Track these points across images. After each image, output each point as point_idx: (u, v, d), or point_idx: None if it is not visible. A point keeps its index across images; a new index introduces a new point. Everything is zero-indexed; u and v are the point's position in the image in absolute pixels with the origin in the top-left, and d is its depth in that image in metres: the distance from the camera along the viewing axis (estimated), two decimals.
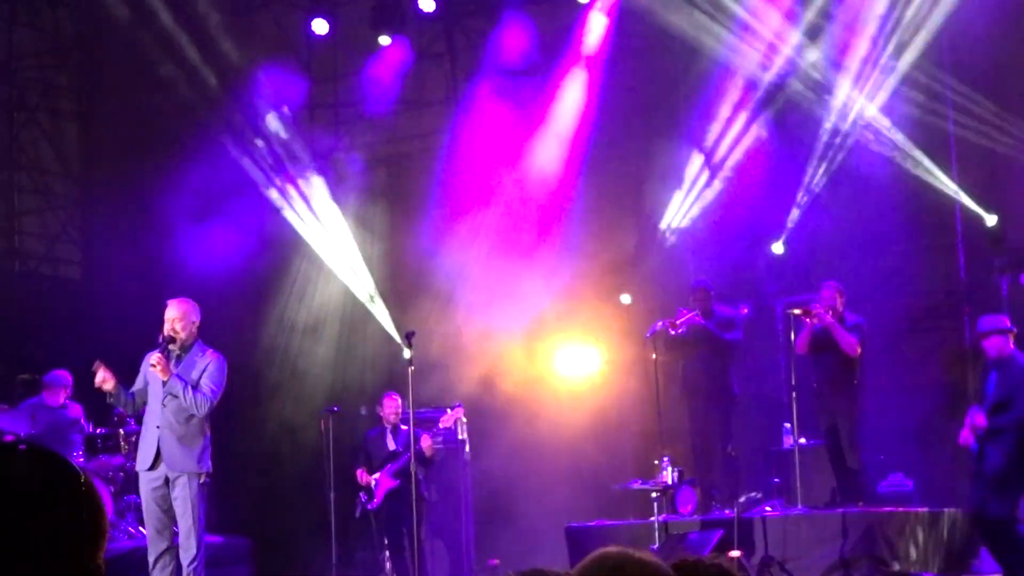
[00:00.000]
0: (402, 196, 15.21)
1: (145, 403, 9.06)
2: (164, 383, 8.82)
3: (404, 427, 12.00)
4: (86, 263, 14.07)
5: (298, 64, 13.88)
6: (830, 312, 11.69)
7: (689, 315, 12.27)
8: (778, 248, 13.93)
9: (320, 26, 14.01)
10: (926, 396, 11.85)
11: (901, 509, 11.56)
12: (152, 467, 8.93)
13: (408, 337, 10.34)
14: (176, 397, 8.83)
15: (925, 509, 11.62)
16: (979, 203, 12.97)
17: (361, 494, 12.31)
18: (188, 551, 8.83)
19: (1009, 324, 10.41)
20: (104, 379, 8.81)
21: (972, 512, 10.32)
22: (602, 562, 2.55)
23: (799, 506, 11.67)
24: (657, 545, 11.03)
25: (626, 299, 14.46)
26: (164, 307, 9.12)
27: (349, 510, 11.99)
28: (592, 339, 14.48)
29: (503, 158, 14.05)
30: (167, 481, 8.90)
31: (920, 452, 12.40)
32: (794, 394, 11.83)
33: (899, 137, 13.01)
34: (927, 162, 12.96)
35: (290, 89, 13.67)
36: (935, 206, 13.09)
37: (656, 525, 11.25)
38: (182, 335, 8.96)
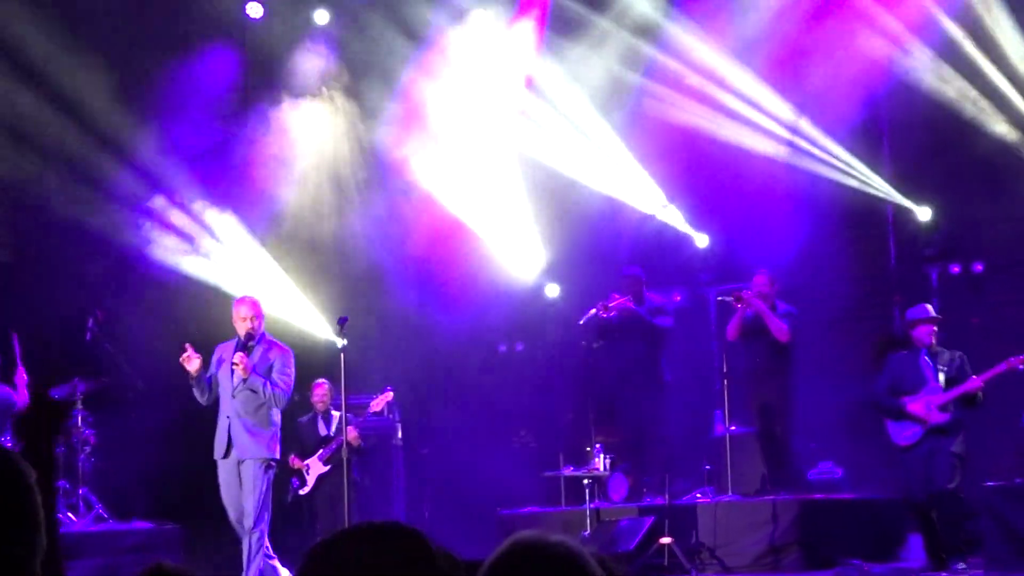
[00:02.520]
0: None
1: (217, 395, 9.69)
2: (244, 380, 9.44)
3: (335, 412, 12.21)
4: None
5: (235, 46, 13.90)
6: (761, 299, 11.97)
7: (621, 300, 12.42)
8: (702, 241, 14.06)
9: (255, 10, 14.01)
10: (856, 385, 11.70)
11: (831, 496, 11.86)
12: (226, 455, 9.58)
13: (341, 324, 10.44)
14: (252, 391, 9.48)
15: (854, 496, 11.96)
16: (912, 196, 13.23)
17: (293, 479, 12.39)
18: (249, 520, 9.49)
19: (930, 312, 10.71)
20: (190, 357, 9.42)
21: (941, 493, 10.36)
22: (514, 547, 2.57)
23: (730, 493, 11.87)
24: (588, 532, 11.33)
25: (553, 290, 14.59)
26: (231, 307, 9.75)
27: (281, 495, 11.95)
28: (525, 326, 14.91)
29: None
30: (238, 464, 9.58)
31: (850, 440, 12.49)
32: (725, 381, 12.07)
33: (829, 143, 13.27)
34: (858, 164, 13.26)
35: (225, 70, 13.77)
36: (866, 199, 13.38)
37: (588, 512, 11.49)
38: (259, 331, 9.63)
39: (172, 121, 13.17)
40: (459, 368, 14.81)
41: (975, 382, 10.29)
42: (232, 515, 9.79)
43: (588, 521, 11.52)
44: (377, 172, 14.44)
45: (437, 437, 14.47)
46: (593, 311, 12.52)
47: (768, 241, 12.97)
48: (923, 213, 13.27)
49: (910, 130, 12.95)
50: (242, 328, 9.69)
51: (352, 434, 11.43)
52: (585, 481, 11.59)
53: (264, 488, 9.56)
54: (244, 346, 9.62)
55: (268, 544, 9.70)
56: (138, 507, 12.37)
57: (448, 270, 14.44)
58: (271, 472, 9.68)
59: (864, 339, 13.09)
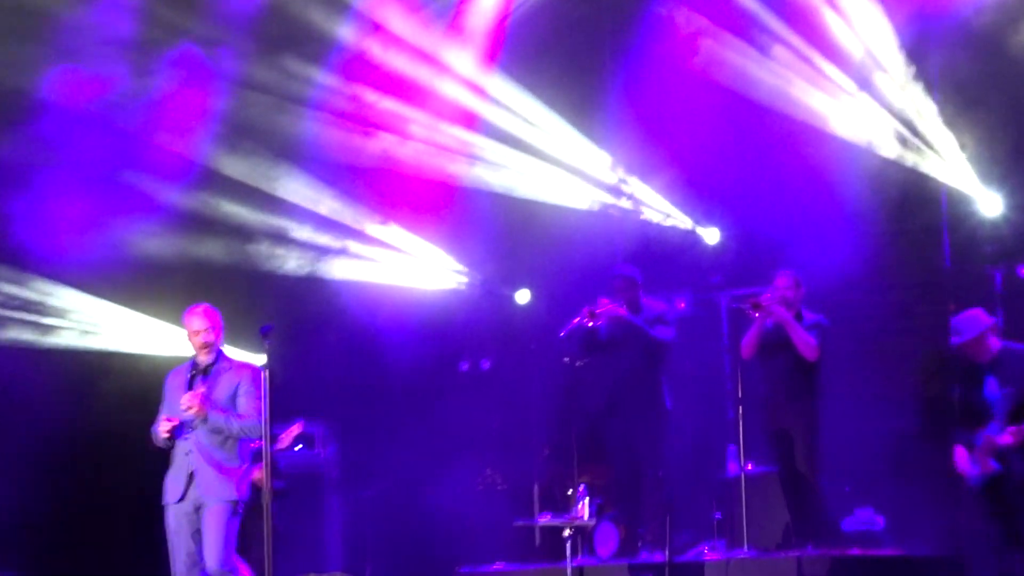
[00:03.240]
0: None
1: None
2: (204, 421, 9.39)
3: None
4: None
5: None
6: (784, 306, 11.60)
7: (611, 306, 12.10)
8: (711, 236, 13.96)
9: None
10: (902, 413, 11.97)
11: (870, 552, 11.45)
12: (182, 498, 9.42)
13: (264, 333, 9.66)
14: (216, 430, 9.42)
15: (899, 552, 11.59)
16: (974, 180, 12.86)
17: None
18: (214, 563, 9.37)
19: (988, 318, 10.46)
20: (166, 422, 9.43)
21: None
22: None
23: (745, 547, 11.54)
24: None
25: (524, 296, 14.57)
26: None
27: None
28: (492, 340, 14.76)
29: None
30: (197, 509, 9.41)
31: (893, 483, 12.37)
32: (740, 408, 11.78)
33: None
34: (906, 133, 12.96)
35: None
36: (913, 181, 13.01)
37: (569, 570, 10.92)
38: (215, 344, 9.60)
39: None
40: (411, 391, 14.61)
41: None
42: (180, 568, 9.55)
43: None
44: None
45: (383, 477, 14.14)
46: (577, 320, 12.03)
47: (792, 236, 12.75)
48: (986, 201, 12.78)
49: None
50: (197, 346, 9.61)
51: (255, 474, 10.86)
52: (566, 532, 10.89)
53: (232, 536, 9.49)
54: (202, 371, 9.55)
55: None
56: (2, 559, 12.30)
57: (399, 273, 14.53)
58: (238, 517, 9.56)
59: (910, 357, 12.96)
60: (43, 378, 12.77)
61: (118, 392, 12.59)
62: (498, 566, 12.23)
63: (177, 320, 12.74)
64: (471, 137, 13.95)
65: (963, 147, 12.71)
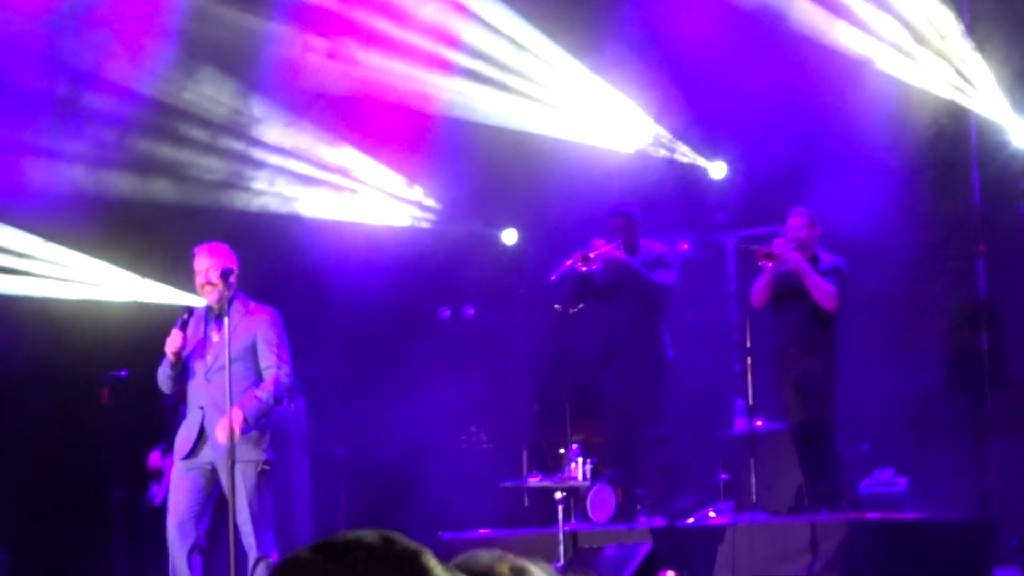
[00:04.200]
0: None
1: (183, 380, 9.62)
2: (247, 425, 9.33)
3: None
4: None
5: None
6: (799, 248, 11.56)
7: (607, 248, 12.07)
8: (718, 171, 13.84)
9: None
10: (926, 365, 11.99)
11: (890, 516, 11.55)
12: (191, 455, 9.45)
13: (223, 277, 9.75)
14: (227, 368, 9.26)
15: (922, 516, 11.70)
16: (1006, 109, 12.72)
17: (152, 484, 12.08)
18: (250, 539, 9.46)
19: None
20: (175, 334, 9.36)
21: None
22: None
23: (755, 511, 11.58)
24: (562, 562, 10.84)
25: (511, 236, 14.47)
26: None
27: (137, 507, 11.96)
28: (475, 284, 14.63)
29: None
30: (210, 471, 9.46)
31: (916, 441, 12.46)
32: (749, 360, 11.77)
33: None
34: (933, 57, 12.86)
35: None
36: (940, 110, 12.94)
37: (561, 536, 10.93)
38: (221, 290, 9.47)
39: None
40: (387, 341, 14.36)
41: None
42: (173, 524, 9.55)
43: (561, 548, 10.91)
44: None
45: (358, 434, 14.01)
46: (569, 263, 12.03)
47: (806, 170, 12.71)
48: (1020, 132, 12.68)
49: None
50: (206, 291, 9.51)
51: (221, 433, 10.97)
52: (558, 495, 10.91)
53: (265, 499, 9.53)
54: (215, 315, 9.49)
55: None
56: None
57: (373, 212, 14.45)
58: (267, 478, 9.58)
59: (936, 304, 12.97)
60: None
61: (77, 341, 12.59)
62: (483, 532, 12.27)
63: (131, 265, 13.02)
64: (453, 59, 13.84)
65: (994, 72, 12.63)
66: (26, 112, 12.80)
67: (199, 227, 12.57)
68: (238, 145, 13.85)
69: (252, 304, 9.64)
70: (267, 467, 9.58)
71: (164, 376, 9.60)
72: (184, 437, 9.57)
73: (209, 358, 9.54)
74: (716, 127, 13.81)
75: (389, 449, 13.74)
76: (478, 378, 14.35)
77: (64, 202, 12.86)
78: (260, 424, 9.50)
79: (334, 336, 14.12)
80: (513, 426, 13.83)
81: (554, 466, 11.85)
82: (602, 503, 11.84)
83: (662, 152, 13.95)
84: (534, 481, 11.47)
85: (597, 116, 13.88)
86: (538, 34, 13.63)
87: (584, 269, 12.06)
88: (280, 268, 13.69)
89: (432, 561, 2.74)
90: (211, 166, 13.76)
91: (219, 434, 9.23)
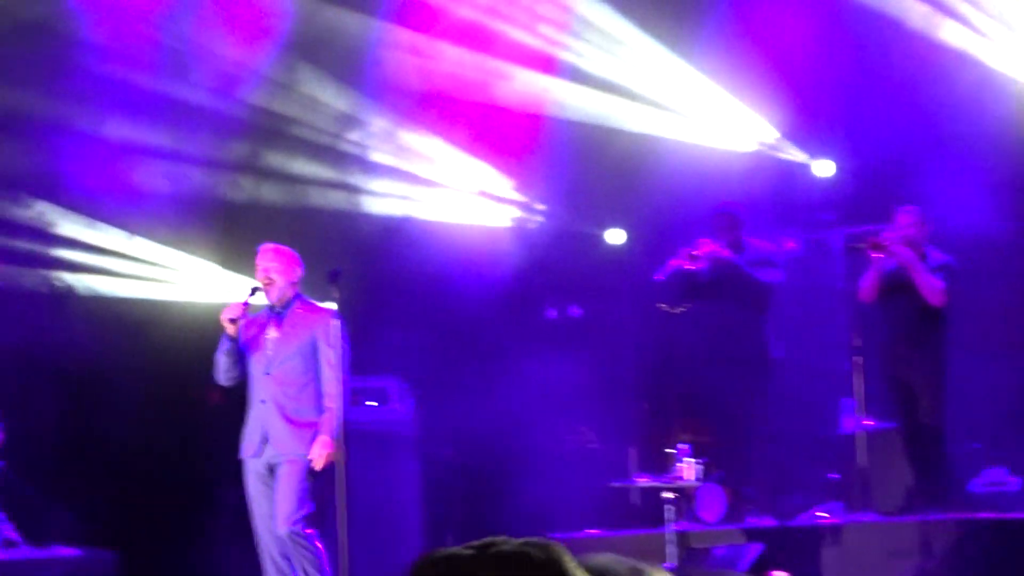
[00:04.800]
0: None
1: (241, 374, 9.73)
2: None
3: None
4: None
5: None
6: (907, 245, 11.48)
7: (713, 247, 12.13)
8: (825, 169, 13.81)
9: None
10: None
11: (1003, 516, 11.29)
12: (259, 453, 9.57)
13: (332, 279, 9.69)
14: (287, 362, 9.52)
15: None
16: None
17: None
18: (279, 520, 9.48)
19: None
20: (233, 309, 9.51)
21: None
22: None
23: (864, 511, 11.60)
24: (672, 562, 10.81)
25: (617, 236, 14.48)
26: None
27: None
28: (582, 285, 14.64)
29: None
30: (271, 468, 9.56)
31: None
32: (857, 359, 11.73)
33: None
34: None
35: None
36: None
37: (670, 537, 10.89)
38: (281, 288, 9.67)
39: None
40: (494, 341, 14.39)
41: None
42: (259, 527, 9.71)
43: (671, 549, 10.89)
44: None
45: (465, 435, 13.96)
46: (675, 262, 12.12)
47: (916, 167, 12.60)
48: None
49: None
50: (266, 288, 9.70)
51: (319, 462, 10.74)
52: (667, 495, 10.98)
53: (304, 491, 9.50)
54: (276, 313, 9.67)
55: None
56: (59, 530, 12.11)
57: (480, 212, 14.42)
58: (315, 477, 9.56)
59: None
60: (98, 327, 12.84)
61: (179, 342, 12.64)
62: (591, 532, 12.21)
63: (239, 267, 12.83)
64: (558, 58, 13.83)
65: None
66: (136, 113, 12.93)
67: (307, 230, 12.64)
68: (346, 147, 13.88)
69: (312, 305, 9.82)
70: (316, 466, 9.59)
71: (221, 357, 9.66)
72: (248, 434, 9.69)
73: (269, 352, 9.64)
74: (823, 125, 13.67)
75: (496, 449, 13.72)
76: (584, 377, 14.09)
77: (177, 205, 13.04)
78: (312, 420, 9.60)
79: (441, 337, 14.21)
80: (620, 425, 13.63)
81: (662, 466, 11.79)
82: (711, 503, 11.85)
83: (768, 150, 13.84)
84: (642, 481, 11.55)
85: (703, 114, 13.80)
86: (643, 33, 13.55)
87: (690, 268, 12.08)
88: (387, 271, 13.81)
89: (572, 563, 2.87)
90: (319, 169, 13.82)
91: (317, 463, 9.38)
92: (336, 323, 9.45)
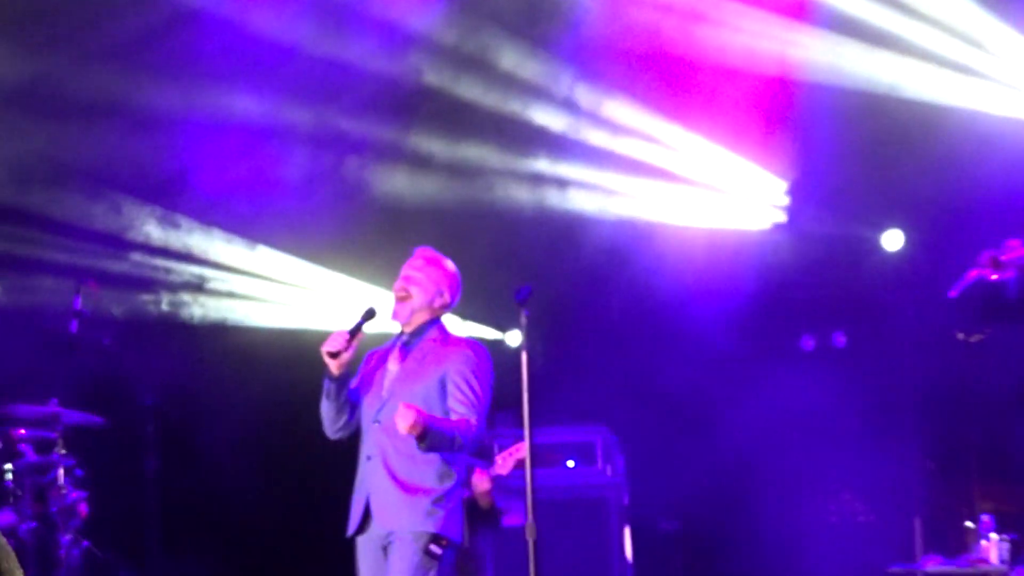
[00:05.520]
0: None
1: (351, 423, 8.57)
2: (421, 440, 8.05)
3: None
4: None
5: None
6: None
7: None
8: None
9: None
10: None
11: None
12: (362, 528, 8.23)
13: (520, 299, 8.34)
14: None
15: None
16: None
17: None
18: None
19: None
20: (339, 341, 8.09)
21: None
22: None
23: None
24: None
25: (894, 239, 13.24)
26: None
27: None
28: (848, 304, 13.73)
29: None
30: (384, 547, 8.25)
31: None
32: None
33: None
34: None
35: None
36: None
37: None
38: (418, 302, 8.35)
39: None
40: (730, 381, 13.39)
41: None
42: None
43: None
44: None
45: (693, 503, 13.18)
46: (975, 272, 10.55)
47: None
48: None
49: None
50: (399, 300, 8.44)
51: (483, 484, 10.12)
52: None
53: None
54: (404, 340, 8.34)
55: None
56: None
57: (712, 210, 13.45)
58: (445, 563, 8.14)
59: None
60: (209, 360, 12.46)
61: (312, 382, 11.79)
62: None
63: (386, 282, 12.00)
64: (814, 6, 12.48)
65: None
66: (269, 89, 12.22)
67: (486, 236, 12.27)
68: (538, 128, 12.77)
69: (451, 335, 8.48)
70: (438, 549, 8.08)
71: (323, 403, 8.45)
72: (353, 504, 8.37)
73: (384, 393, 8.23)
74: None
75: (733, 523, 13.13)
76: (851, 426, 13.20)
77: (314, 204, 12.43)
78: (444, 490, 8.18)
79: (661, 375, 13.24)
80: (900, 491, 13.01)
81: (958, 544, 11.57)
82: None
83: None
84: (932, 565, 11.15)
85: (1016, 77, 12.50)
86: None
87: (995, 279, 10.54)
88: (590, 288, 13.19)
89: None
90: (502, 157, 12.95)
91: (400, 423, 8.09)
92: (470, 353, 8.20)
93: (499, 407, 10.11)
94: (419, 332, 8.29)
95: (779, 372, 13.34)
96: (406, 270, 8.39)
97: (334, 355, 8.02)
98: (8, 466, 10.82)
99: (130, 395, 12.10)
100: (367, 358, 8.45)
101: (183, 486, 12.64)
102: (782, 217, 13.39)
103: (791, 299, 13.70)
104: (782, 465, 13.28)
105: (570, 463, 12.16)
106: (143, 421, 12.17)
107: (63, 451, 10.83)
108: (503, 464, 10.20)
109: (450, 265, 8.46)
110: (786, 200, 13.36)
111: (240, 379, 12.23)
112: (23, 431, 11.08)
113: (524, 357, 8.20)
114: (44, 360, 11.66)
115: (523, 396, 8.23)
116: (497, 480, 10.36)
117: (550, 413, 10.72)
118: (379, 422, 8.12)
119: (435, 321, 8.36)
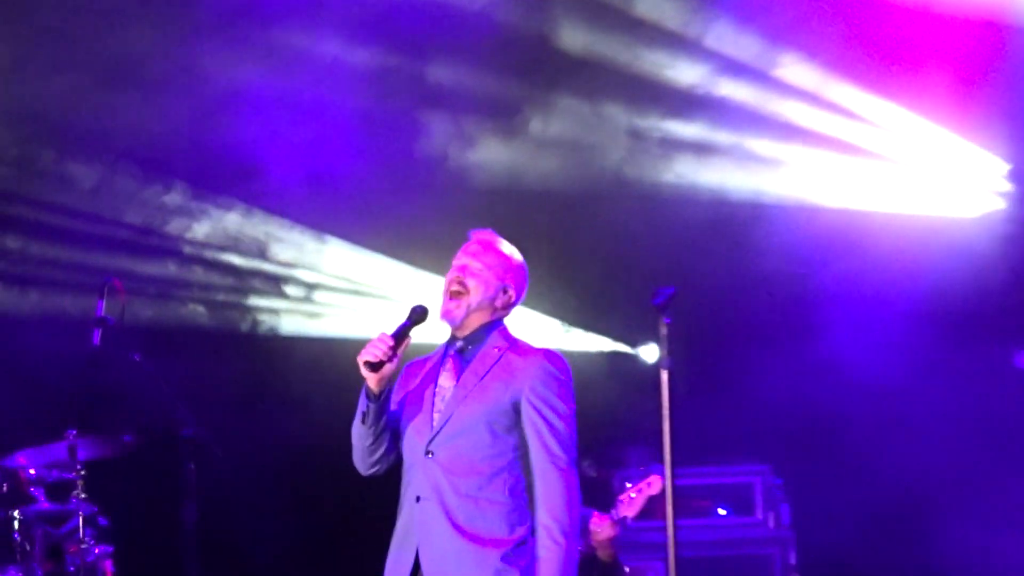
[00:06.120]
0: None
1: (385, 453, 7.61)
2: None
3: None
4: None
5: None
6: None
7: None
8: None
9: None
10: None
11: None
12: None
13: (658, 302, 7.24)
14: (463, 436, 7.23)
15: None
16: None
17: None
18: None
19: None
20: (381, 350, 7.10)
21: None
22: None
23: None
24: None
25: None
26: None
27: None
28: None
29: None
30: None
31: None
32: None
33: None
34: None
35: None
36: None
37: None
38: (475, 298, 7.40)
39: None
40: (931, 407, 11.93)
41: None
42: None
43: None
44: None
45: (880, 557, 11.95)
46: None
47: None
48: None
49: None
50: (450, 299, 7.41)
51: (605, 531, 9.41)
52: None
53: None
54: (459, 348, 7.34)
55: None
56: None
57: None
58: None
59: None
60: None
61: None
62: None
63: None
64: None
65: None
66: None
67: (609, 223, 11.26)
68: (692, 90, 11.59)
69: (522, 344, 7.44)
70: None
71: (355, 428, 7.37)
72: (393, 557, 7.27)
73: (436, 416, 7.21)
74: None
75: None
76: None
77: (392, 191, 11.31)
78: (517, 540, 7.06)
79: (834, 399, 11.79)
80: None
81: None
82: None
83: None
84: None
85: None
86: None
87: None
88: (751, 288, 11.93)
89: None
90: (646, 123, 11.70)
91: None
92: (550, 367, 7.05)
93: (629, 440, 10.09)
94: (477, 338, 7.25)
95: (988, 393, 12.09)
96: (461, 258, 7.35)
97: (375, 367, 6.93)
98: (15, 514, 9.91)
99: (165, 425, 10.22)
100: (407, 371, 7.34)
101: (226, 540, 11.35)
102: (1001, 204, 11.94)
103: (1006, 304, 12.28)
104: (1002, 507, 11.83)
105: (722, 511, 11.38)
106: (181, 457, 10.15)
107: (83, 496, 9.94)
108: (630, 504, 9.30)
109: (514, 252, 7.43)
110: (1007, 186, 11.93)
111: (302, 398, 11.14)
112: (33, 471, 10.19)
113: (664, 376, 7.14)
114: (60, 380, 10.64)
115: (663, 426, 7.13)
116: (623, 525, 9.43)
117: (698, 448, 10.00)
118: (431, 454, 7.09)
119: (497, 324, 7.29)
